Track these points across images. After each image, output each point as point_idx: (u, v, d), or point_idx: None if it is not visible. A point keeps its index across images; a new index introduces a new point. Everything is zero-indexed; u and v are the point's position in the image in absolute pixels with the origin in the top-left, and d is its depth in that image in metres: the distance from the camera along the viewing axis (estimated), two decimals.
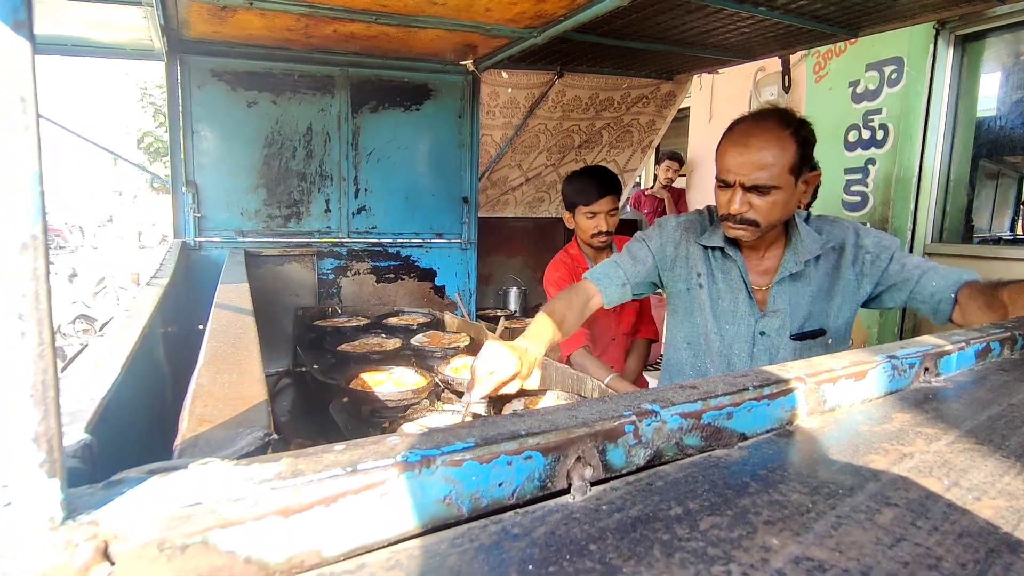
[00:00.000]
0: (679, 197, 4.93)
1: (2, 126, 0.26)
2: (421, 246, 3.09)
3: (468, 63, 2.93)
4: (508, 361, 1.04)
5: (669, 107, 3.79)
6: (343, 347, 1.92)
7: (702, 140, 5.05)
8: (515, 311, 3.57)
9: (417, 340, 1.93)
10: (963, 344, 0.79)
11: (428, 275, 3.13)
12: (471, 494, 0.40)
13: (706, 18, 2.32)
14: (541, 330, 1.19)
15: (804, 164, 1.22)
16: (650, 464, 0.49)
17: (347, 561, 0.35)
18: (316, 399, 1.66)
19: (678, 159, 4.78)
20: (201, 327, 1.13)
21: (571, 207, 2.02)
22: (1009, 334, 0.87)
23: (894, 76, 3.30)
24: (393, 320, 2.33)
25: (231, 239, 2.71)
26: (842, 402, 0.65)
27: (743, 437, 0.56)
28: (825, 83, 3.69)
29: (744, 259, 1.34)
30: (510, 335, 1.88)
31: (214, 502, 0.33)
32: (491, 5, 2.02)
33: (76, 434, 0.48)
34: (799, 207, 1.29)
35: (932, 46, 3.24)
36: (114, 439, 0.65)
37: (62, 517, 0.29)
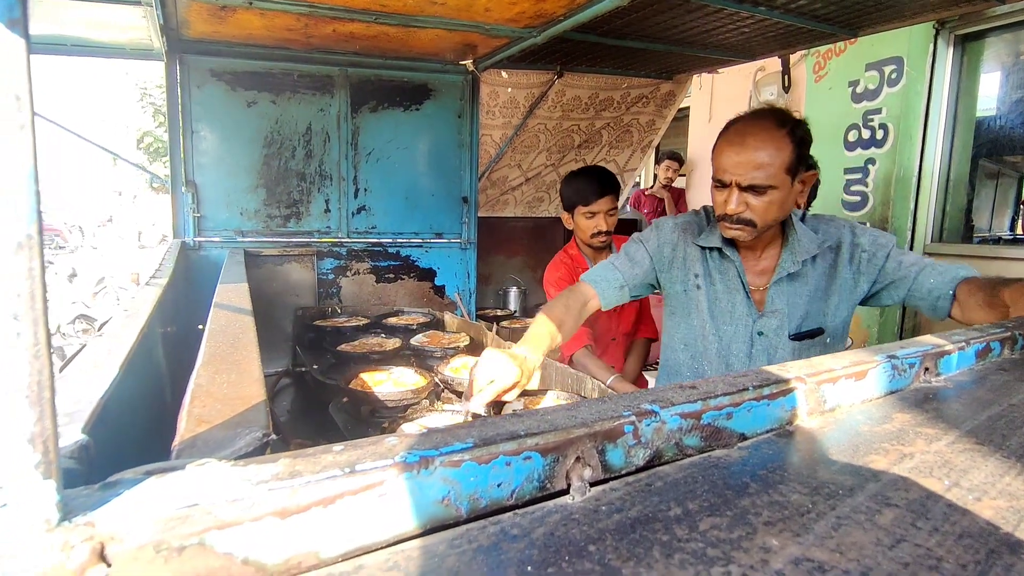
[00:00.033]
0: (679, 197, 4.93)
1: None
2: (421, 246, 3.09)
3: (468, 63, 2.93)
4: (509, 369, 1.04)
5: (669, 107, 3.79)
6: (343, 347, 1.91)
7: (702, 140, 5.05)
8: (515, 311, 3.57)
9: (417, 340, 1.93)
10: (963, 344, 0.79)
11: (428, 275, 3.13)
12: (470, 495, 0.40)
13: (706, 18, 2.32)
14: (540, 336, 1.19)
15: (800, 164, 1.22)
16: (649, 464, 0.49)
17: (345, 562, 0.35)
18: (316, 399, 1.65)
19: (678, 159, 4.78)
20: (201, 327, 1.13)
21: (570, 207, 2.02)
22: (1009, 334, 0.87)
23: (894, 76, 3.30)
24: (393, 320, 2.33)
25: (231, 239, 2.71)
26: (842, 402, 0.64)
27: (743, 437, 0.55)
28: (825, 83, 3.69)
29: (741, 259, 1.34)
30: (510, 335, 1.88)
31: (211, 503, 0.32)
32: (491, 5, 2.02)
33: (73, 435, 0.48)
34: (796, 207, 1.29)
35: (932, 46, 3.24)
36: (112, 440, 0.65)
37: (58, 518, 0.29)
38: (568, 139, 3.73)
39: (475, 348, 1.95)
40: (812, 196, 2.42)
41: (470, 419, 1.09)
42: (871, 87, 3.41)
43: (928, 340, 0.79)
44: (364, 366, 1.64)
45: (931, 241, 3.40)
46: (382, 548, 0.37)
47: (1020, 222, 4.42)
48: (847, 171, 3.56)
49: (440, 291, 3.17)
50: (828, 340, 1.33)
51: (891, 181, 3.35)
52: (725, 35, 2.56)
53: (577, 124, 3.66)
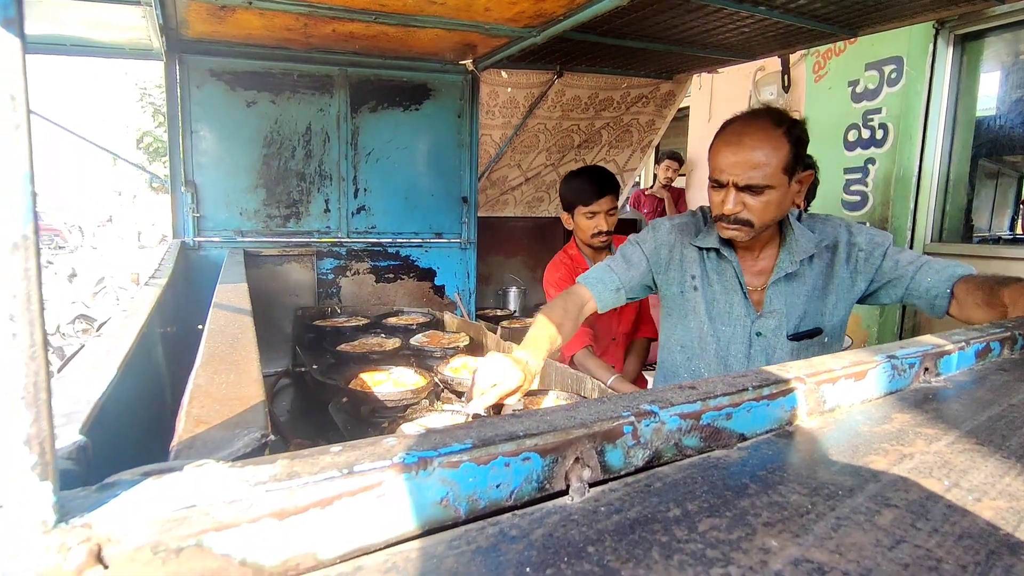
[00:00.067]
0: (679, 197, 4.93)
1: None
2: (420, 246, 3.09)
3: (467, 63, 2.93)
4: (512, 373, 1.05)
5: (669, 107, 3.78)
6: (342, 347, 1.91)
7: (702, 140, 5.05)
8: (514, 311, 3.57)
9: (416, 340, 1.93)
10: (963, 344, 0.79)
11: (427, 275, 3.13)
12: (468, 496, 0.40)
13: (705, 17, 2.32)
14: (540, 339, 1.20)
15: (798, 163, 1.21)
16: (649, 465, 0.49)
17: (343, 563, 0.35)
18: (315, 399, 1.65)
19: (678, 159, 4.78)
20: (200, 327, 1.13)
21: (569, 208, 2.02)
22: (1009, 334, 0.87)
23: (894, 75, 3.30)
24: (392, 320, 2.32)
25: (230, 239, 2.71)
26: (842, 402, 0.64)
27: (742, 438, 0.55)
28: (825, 82, 3.69)
29: (739, 260, 1.33)
30: (510, 335, 1.88)
31: (209, 504, 0.32)
32: (490, 4, 2.02)
33: (71, 436, 0.48)
34: (796, 207, 1.28)
35: (932, 45, 3.24)
36: (110, 440, 0.65)
37: (55, 520, 0.29)
38: (568, 139, 3.73)
39: (475, 348, 1.95)
40: (811, 196, 2.42)
41: (470, 420, 1.09)
42: (871, 87, 3.41)
43: (928, 340, 0.79)
44: (364, 366, 1.64)
45: (931, 241, 3.40)
46: (380, 549, 0.37)
47: (1020, 222, 4.42)
48: (847, 171, 3.56)
49: (440, 291, 3.17)
50: (826, 340, 1.33)
51: (891, 181, 3.35)
52: (725, 35, 2.56)
53: (577, 124, 3.66)
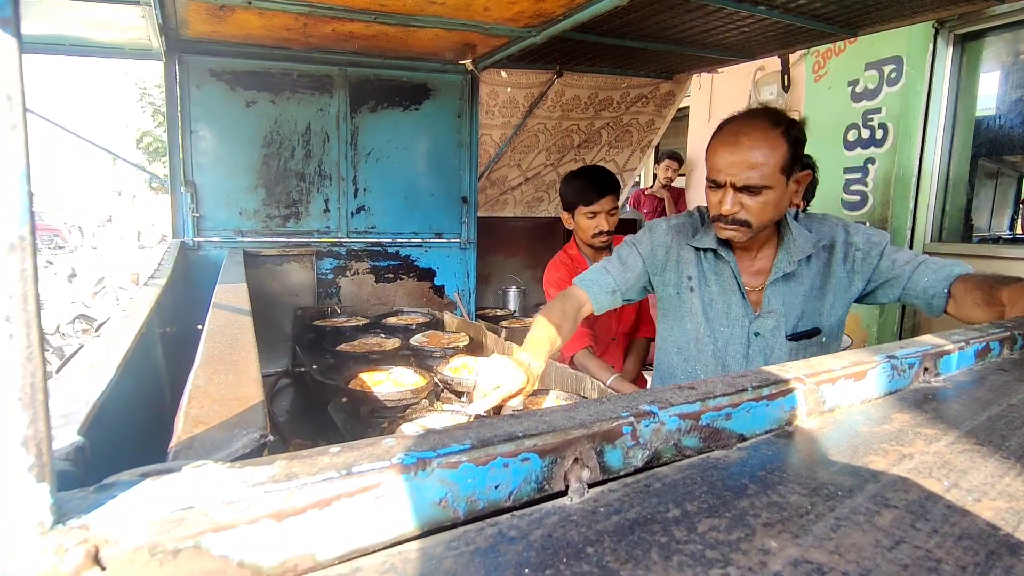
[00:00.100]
0: (678, 196, 4.93)
1: None
2: (420, 246, 3.09)
3: (467, 62, 2.93)
4: (514, 376, 1.05)
5: (668, 106, 3.78)
6: (342, 347, 1.91)
7: (701, 139, 5.04)
8: (514, 311, 3.57)
9: (416, 340, 1.93)
10: (963, 344, 0.79)
11: (427, 275, 3.13)
12: (467, 496, 0.40)
13: (705, 17, 2.32)
14: (540, 341, 1.20)
15: (795, 163, 1.21)
16: (648, 466, 0.49)
17: (341, 565, 0.35)
18: (315, 399, 1.65)
19: (677, 158, 4.78)
20: (200, 327, 1.13)
21: (570, 208, 2.02)
22: (1009, 334, 0.87)
23: (893, 75, 3.30)
24: (392, 320, 2.32)
25: (230, 239, 2.71)
26: (841, 402, 0.64)
27: (742, 438, 0.55)
28: (824, 82, 3.69)
29: (736, 260, 1.33)
30: (510, 335, 1.88)
31: (207, 505, 0.32)
32: (490, 4, 2.02)
33: (69, 436, 0.48)
34: (797, 207, 1.28)
35: (931, 45, 3.24)
36: (109, 441, 0.65)
37: (52, 521, 0.29)
38: (568, 139, 3.73)
39: (474, 348, 1.95)
40: (811, 196, 2.42)
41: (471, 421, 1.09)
42: (871, 87, 3.41)
43: (927, 340, 0.79)
44: (363, 366, 1.64)
45: (930, 240, 3.40)
46: (379, 550, 0.36)
47: (1019, 221, 4.42)
48: (847, 171, 3.56)
49: (439, 291, 3.17)
50: (824, 340, 1.33)
51: (891, 181, 3.35)
52: (725, 35, 2.55)
53: (577, 124, 3.66)
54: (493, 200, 3.84)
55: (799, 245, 1.29)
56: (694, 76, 4.01)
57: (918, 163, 3.33)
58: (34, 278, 0.28)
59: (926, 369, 0.74)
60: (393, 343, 1.95)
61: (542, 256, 2.88)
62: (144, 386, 1.05)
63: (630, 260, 1.39)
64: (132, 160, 4.46)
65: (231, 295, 1.45)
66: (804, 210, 1.46)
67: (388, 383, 1.50)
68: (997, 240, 3.86)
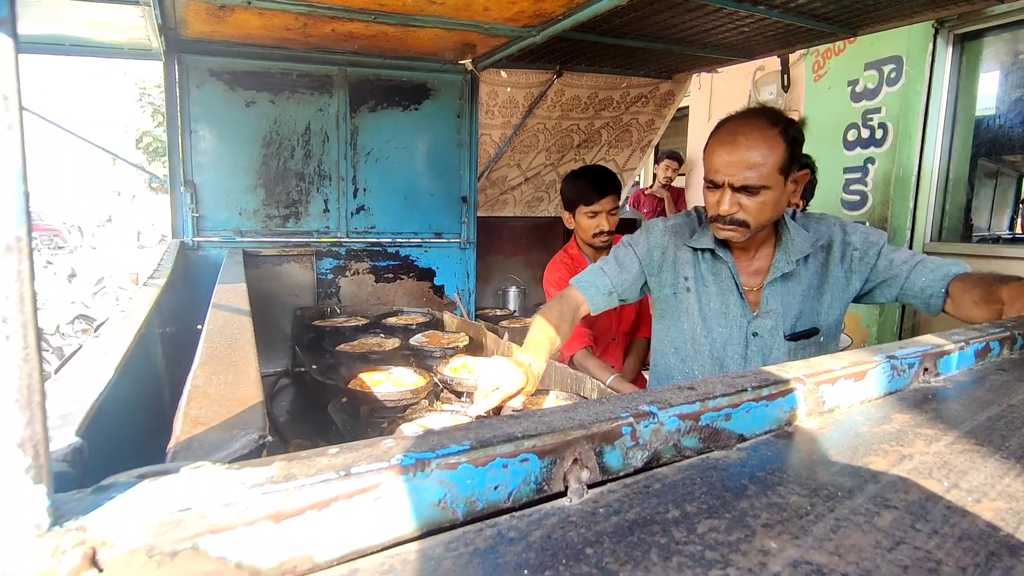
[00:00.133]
0: (678, 196, 4.93)
1: None
2: (420, 246, 3.09)
3: (467, 62, 2.92)
4: (514, 377, 1.05)
5: (668, 106, 3.78)
6: (342, 347, 1.91)
7: (701, 139, 5.01)
8: (514, 311, 3.57)
9: (416, 340, 1.93)
10: (962, 344, 0.79)
11: (427, 275, 3.13)
12: (466, 497, 0.40)
13: (705, 17, 2.31)
14: (540, 341, 1.20)
15: (793, 163, 1.20)
16: (647, 466, 0.49)
17: (340, 566, 0.35)
18: (315, 399, 1.65)
19: (677, 158, 4.78)
20: (199, 327, 1.13)
21: (571, 207, 2.02)
22: (1008, 333, 0.87)
23: (893, 75, 3.30)
24: (392, 320, 2.32)
25: (229, 239, 2.71)
26: (841, 403, 0.64)
27: (741, 438, 0.55)
28: (824, 82, 3.69)
29: (734, 260, 1.33)
30: (510, 335, 1.88)
31: (205, 507, 0.32)
32: (490, 4, 2.02)
33: (67, 438, 0.48)
34: (797, 207, 1.28)
35: (931, 45, 3.24)
36: (108, 442, 0.65)
37: (48, 523, 0.29)
38: (567, 139, 3.73)
39: (474, 348, 1.95)
40: (810, 195, 2.42)
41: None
42: (870, 86, 3.41)
43: (927, 340, 0.79)
44: (363, 366, 1.64)
45: (930, 240, 3.40)
46: (378, 552, 0.36)
47: (1019, 221, 4.42)
48: (846, 170, 3.55)
49: (439, 291, 3.17)
50: (822, 339, 1.32)
51: (890, 180, 3.35)
52: (724, 34, 2.55)
53: (576, 124, 3.66)
54: (493, 200, 3.84)
55: (797, 245, 1.29)
56: (694, 76, 4.01)
57: (918, 163, 3.33)
58: (31, 279, 0.27)
59: (926, 369, 0.74)
60: (393, 343, 1.94)
61: (542, 256, 2.88)
62: (143, 387, 1.05)
63: (627, 261, 1.39)
64: (132, 160, 4.45)
65: (230, 295, 1.45)
66: (804, 210, 1.46)
67: (388, 383, 1.50)
68: (997, 240, 3.86)
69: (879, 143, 3.39)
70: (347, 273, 2.96)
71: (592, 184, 1.95)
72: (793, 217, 1.35)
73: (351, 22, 2.21)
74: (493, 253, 3.90)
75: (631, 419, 0.48)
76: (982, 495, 0.44)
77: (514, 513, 0.41)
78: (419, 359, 1.82)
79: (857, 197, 3.52)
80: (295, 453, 0.39)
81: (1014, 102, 3.46)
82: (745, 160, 1.17)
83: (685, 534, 0.38)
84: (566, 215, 2.06)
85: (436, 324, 2.33)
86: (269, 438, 0.52)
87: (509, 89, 3.32)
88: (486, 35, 2.37)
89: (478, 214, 3.23)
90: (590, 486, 0.45)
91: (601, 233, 1.97)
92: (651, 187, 4.96)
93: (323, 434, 1.48)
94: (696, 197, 5.05)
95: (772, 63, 3.83)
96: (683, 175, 5.20)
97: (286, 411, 1.85)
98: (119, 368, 0.76)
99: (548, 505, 0.42)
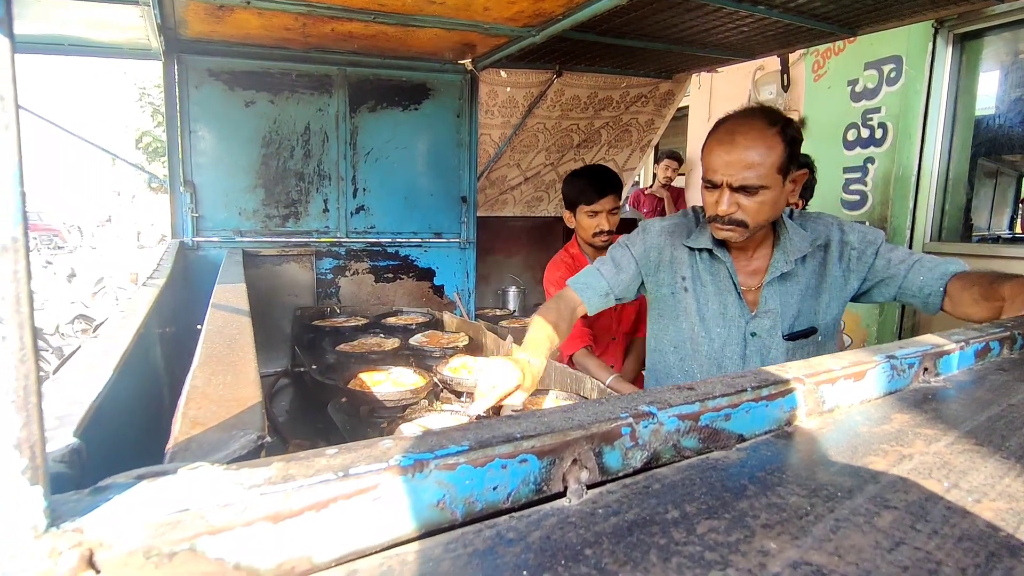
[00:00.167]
0: (678, 196, 4.93)
1: None
2: (420, 246, 3.09)
3: (466, 62, 2.92)
4: (510, 375, 1.05)
5: (668, 106, 3.78)
6: (342, 347, 1.91)
7: (701, 139, 4.97)
8: (514, 311, 3.57)
9: (416, 340, 1.93)
10: (962, 344, 0.79)
11: (427, 275, 3.13)
12: (465, 498, 0.40)
13: (705, 17, 2.31)
14: (539, 340, 1.20)
15: (792, 163, 1.20)
16: (647, 467, 0.49)
17: (339, 567, 0.35)
18: (315, 399, 1.65)
19: (677, 158, 4.78)
20: (198, 327, 1.13)
21: (572, 206, 2.02)
22: (1008, 333, 0.86)
23: (893, 75, 3.30)
24: (392, 320, 2.32)
25: (229, 239, 2.71)
26: (841, 403, 0.64)
27: (741, 439, 0.55)
28: (824, 82, 3.69)
29: (732, 260, 1.32)
30: (511, 335, 1.88)
31: (203, 508, 0.32)
32: (489, 4, 2.02)
33: (65, 438, 0.48)
34: (796, 207, 1.28)
35: (931, 45, 3.24)
36: (107, 443, 0.64)
37: (46, 525, 0.29)
38: (567, 138, 3.73)
39: (474, 348, 1.95)
40: (809, 195, 2.42)
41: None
42: (870, 86, 3.41)
43: (927, 340, 0.79)
44: (363, 366, 1.64)
45: (930, 240, 3.40)
46: (376, 552, 0.36)
47: (1019, 221, 4.42)
48: (846, 170, 3.55)
49: (439, 291, 3.17)
50: (820, 339, 1.32)
51: (890, 180, 3.35)
52: (724, 34, 2.55)
53: (576, 123, 3.65)
54: (493, 200, 3.84)
55: (795, 244, 1.29)
56: (694, 76, 4.01)
57: (917, 162, 3.33)
58: (27, 280, 0.27)
59: (926, 369, 0.74)
60: (392, 343, 1.94)
61: (542, 256, 2.88)
62: (142, 387, 1.05)
63: (623, 262, 1.39)
64: (131, 160, 4.45)
65: (230, 295, 1.44)
66: (803, 209, 1.46)
67: (388, 383, 1.50)
68: (996, 239, 3.87)
69: (879, 143, 3.39)
70: (347, 273, 2.96)
71: (593, 184, 1.95)
72: (791, 216, 1.35)
73: (350, 22, 2.21)
74: (493, 253, 3.90)
75: (630, 419, 0.48)
76: (982, 495, 0.44)
77: (513, 514, 0.41)
78: (419, 359, 1.82)
79: (857, 197, 3.52)
80: (294, 454, 0.39)
81: (1014, 102, 3.46)
82: (743, 160, 1.16)
83: (685, 535, 0.38)
84: (567, 214, 2.06)
85: (436, 324, 2.33)
86: (268, 439, 0.52)
87: (509, 89, 3.32)
88: (486, 35, 2.37)
89: (478, 214, 3.23)
90: (589, 487, 0.45)
91: (602, 232, 1.97)
92: (651, 187, 4.96)
93: (323, 434, 1.48)
94: (696, 197, 5.05)
95: (772, 63, 3.83)
96: (683, 175, 5.20)
97: (285, 411, 1.85)
98: (118, 368, 0.76)
99: (547, 506, 0.42)
